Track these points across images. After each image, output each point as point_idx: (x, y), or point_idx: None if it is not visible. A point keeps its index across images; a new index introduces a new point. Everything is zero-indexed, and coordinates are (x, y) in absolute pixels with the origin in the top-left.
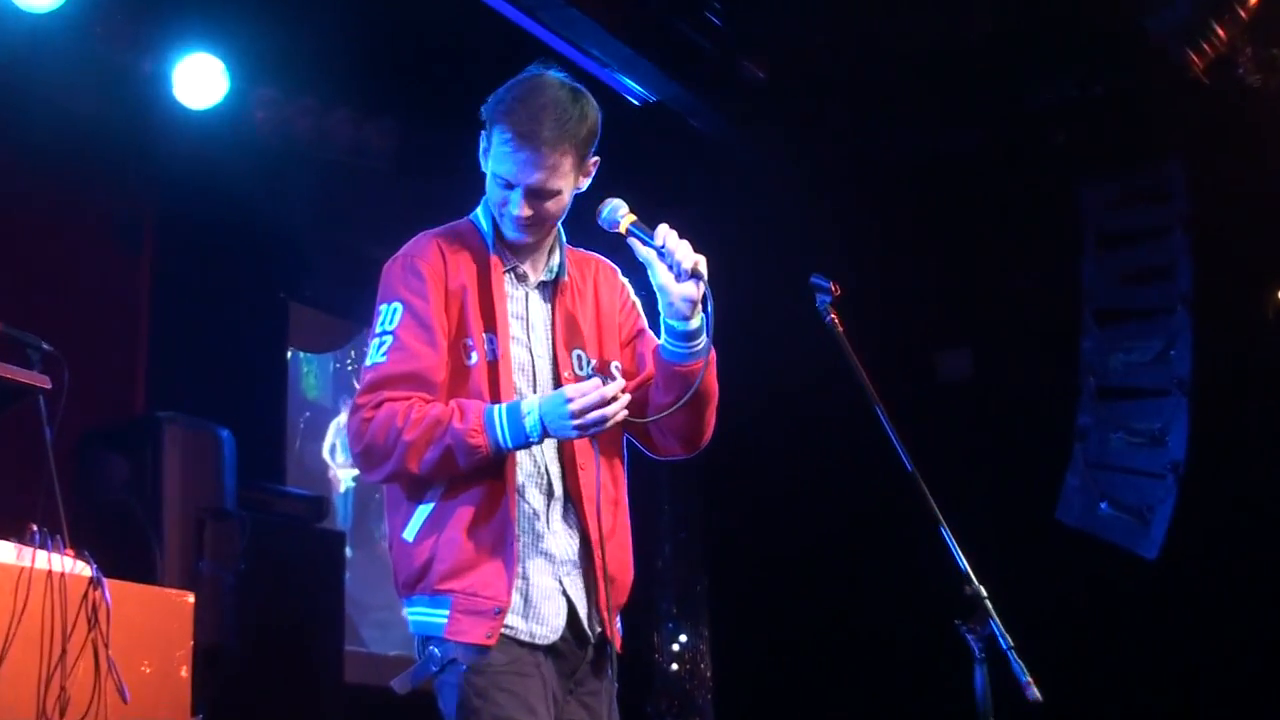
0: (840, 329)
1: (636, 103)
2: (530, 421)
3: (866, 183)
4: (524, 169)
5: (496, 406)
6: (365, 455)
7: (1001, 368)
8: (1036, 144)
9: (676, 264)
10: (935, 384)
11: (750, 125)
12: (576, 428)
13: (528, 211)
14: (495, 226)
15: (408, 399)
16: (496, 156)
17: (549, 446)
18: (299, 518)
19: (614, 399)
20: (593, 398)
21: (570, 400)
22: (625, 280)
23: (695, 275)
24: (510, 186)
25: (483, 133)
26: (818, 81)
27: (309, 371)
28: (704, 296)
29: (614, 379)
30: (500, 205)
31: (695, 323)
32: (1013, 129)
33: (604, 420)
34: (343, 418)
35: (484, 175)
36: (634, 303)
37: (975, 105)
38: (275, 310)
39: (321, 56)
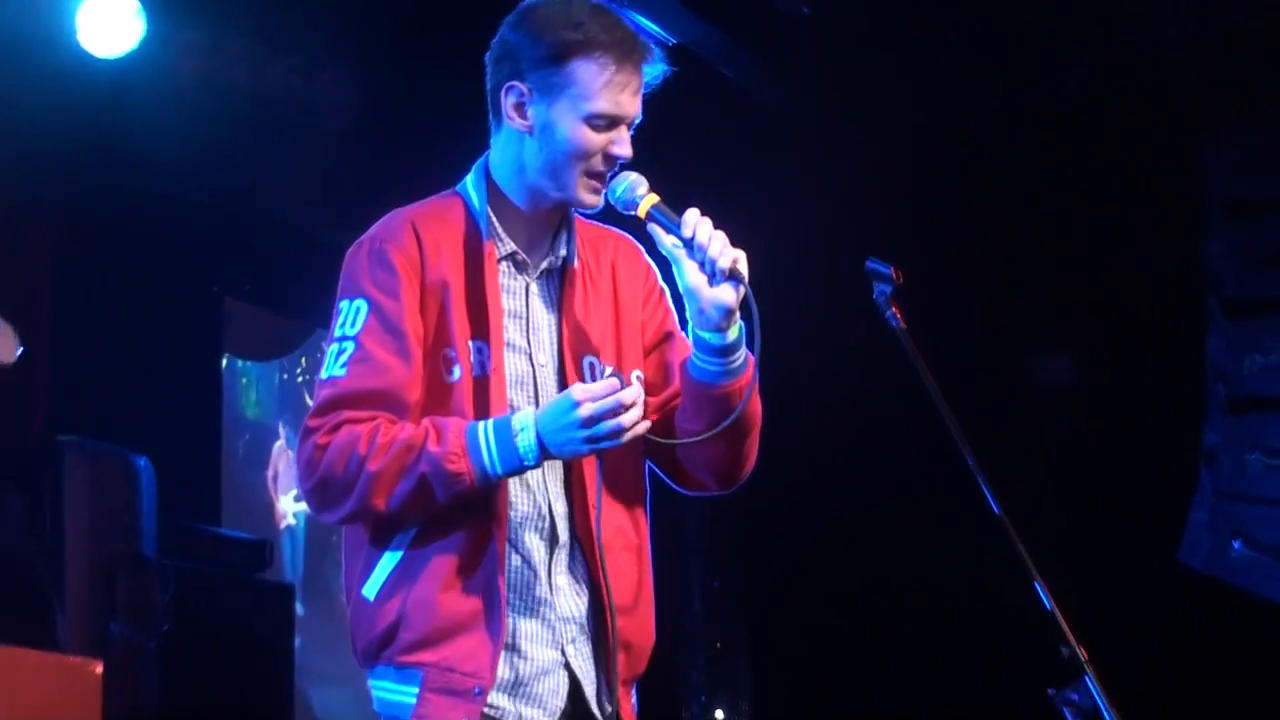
0: (904, 326)
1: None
2: (525, 440)
3: (937, 145)
4: (633, 97)
5: (482, 424)
6: (320, 490)
7: (1107, 373)
8: (1148, 95)
9: (710, 261)
10: (1025, 394)
11: (793, 74)
12: (587, 441)
13: (630, 151)
14: (492, 202)
15: (372, 420)
16: (586, 91)
17: (552, 478)
18: (236, 566)
19: (633, 404)
20: (607, 402)
21: (578, 405)
22: (651, 263)
23: (733, 277)
24: (615, 124)
25: (511, 80)
26: (876, 19)
27: (249, 384)
28: (744, 302)
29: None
30: (583, 157)
31: (732, 334)
32: (1118, 76)
33: (620, 431)
34: (284, 440)
35: (504, 130)
36: (662, 292)
37: (1072, 47)
38: (207, 309)
39: None
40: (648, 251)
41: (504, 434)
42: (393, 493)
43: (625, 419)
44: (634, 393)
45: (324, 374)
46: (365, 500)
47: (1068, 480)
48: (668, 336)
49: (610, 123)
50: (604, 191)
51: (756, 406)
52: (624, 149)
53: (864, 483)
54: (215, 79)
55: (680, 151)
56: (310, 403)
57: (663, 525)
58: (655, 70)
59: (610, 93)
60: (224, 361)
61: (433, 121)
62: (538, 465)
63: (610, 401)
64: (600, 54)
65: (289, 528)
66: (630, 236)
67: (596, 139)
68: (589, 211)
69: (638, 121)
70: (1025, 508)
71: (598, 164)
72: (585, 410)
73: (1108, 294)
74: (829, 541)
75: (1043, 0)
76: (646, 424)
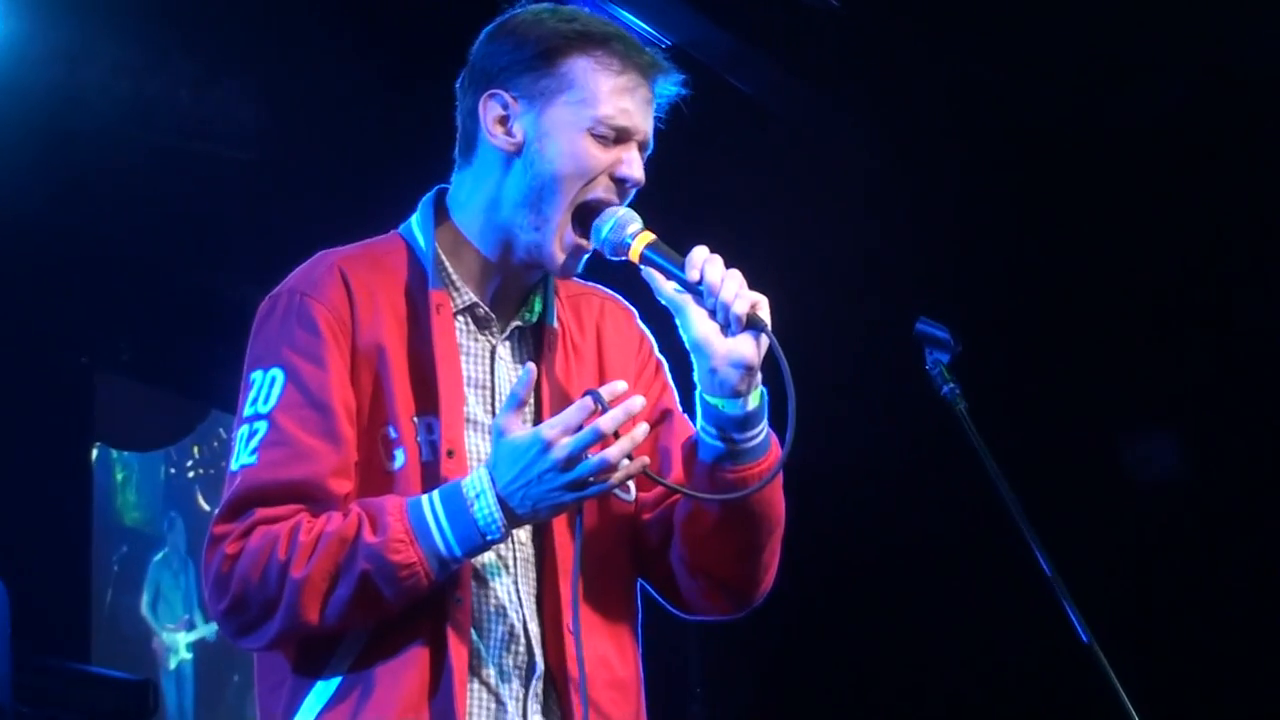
0: (964, 404)
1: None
2: (483, 506)
3: (996, 170)
4: (643, 108)
5: (425, 498)
6: (237, 612)
7: (1224, 461)
8: (1265, 110)
9: (723, 307)
10: (1120, 487)
11: (818, 81)
12: (570, 488)
13: (642, 175)
14: (445, 244)
15: (292, 518)
16: (587, 94)
17: (525, 588)
18: (111, 714)
19: (616, 435)
20: (585, 434)
21: (549, 445)
22: (646, 330)
23: (752, 326)
24: (623, 140)
25: (491, 88)
26: (920, 12)
27: (126, 482)
28: (768, 357)
29: (605, 405)
30: (582, 177)
31: (752, 402)
32: (1228, 88)
33: (607, 467)
34: (173, 551)
35: (477, 157)
36: (659, 365)
37: (1167, 52)
38: (73, 385)
39: None
40: (642, 316)
41: (455, 504)
42: (328, 602)
43: (610, 453)
44: (617, 418)
45: (233, 464)
46: (294, 617)
47: (1173, 599)
48: (665, 416)
49: (618, 136)
50: (585, 255)
51: (779, 503)
52: (634, 169)
53: (912, 592)
54: (88, 94)
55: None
56: (207, 507)
57: (657, 635)
58: (668, 85)
59: (617, 98)
60: (94, 452)
61: (363, 148)
62: (504, 538)
63: (589, 433)
64: (601, 52)
65: (178, 665)
66: (620, 297)
67: (600, 155)
68: (556, 272)
69: (649, 150)
70: (1119, 630)
71: (599, 191)
72: (561, 450)
73: (1225, 359)
74: (869, 661)
75: None
76: (643, 461)
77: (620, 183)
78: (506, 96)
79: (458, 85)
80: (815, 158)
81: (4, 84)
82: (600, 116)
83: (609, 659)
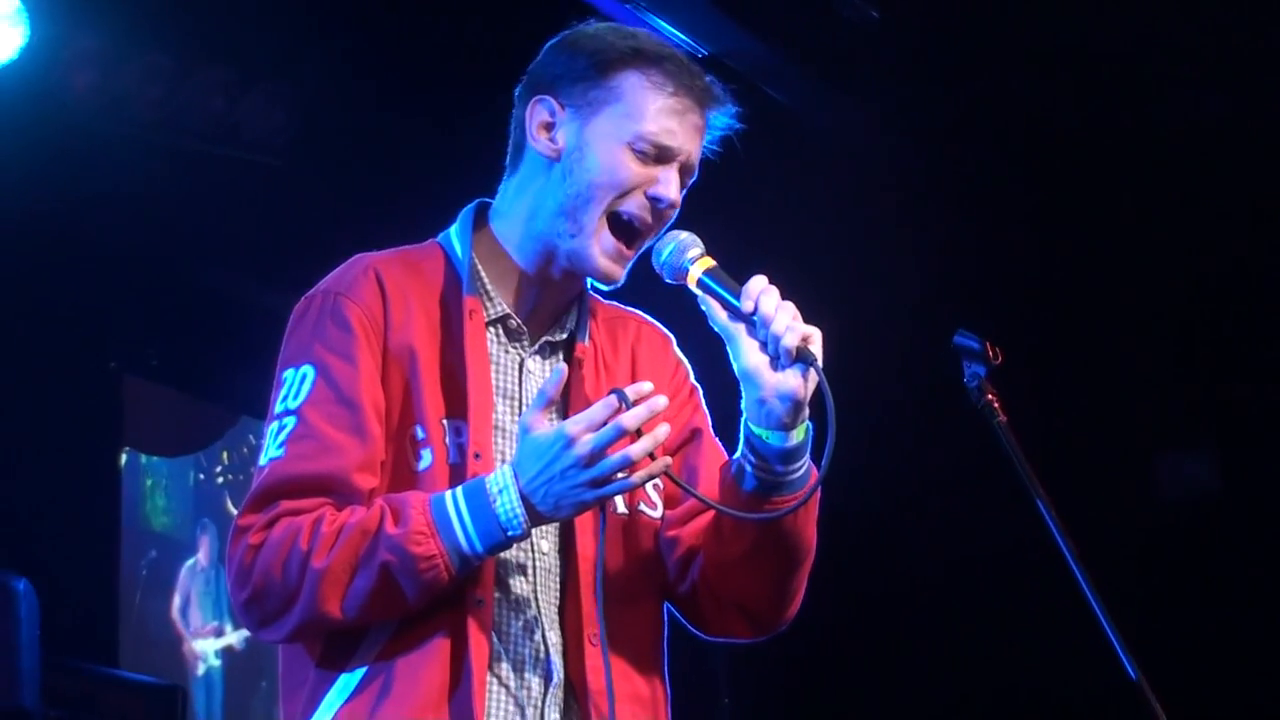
0: (1003, 419)
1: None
2: (506, 503)
3: (1033, 182)
4: (692, 133)
5: (449, 493)
6: (257, 602)
7: (1266, 477)
8: None
9: (774, 339)
10: (1160, 504)
11: (856, 92)
12: (592, 485)
13: (678, 197)
14: (482, 253)
15: (315, 510)
16: (633, 109)
17: (546, 598)
18: (139, 718)
19: (639, 433)
20: (608, 430)
21: (573, 441)
22: (682, 357)
23: (802, 359)
24: (664, 159)
25: (540, 94)
26: (961, 23)
27: (154, 487)
28: (816, 394)
29: (629, 404)
30: (616, 189)
31: (797, 436)
32: (1268, 99)
33: (628, 464)
34: (202, 557)
35: (524, 163)
36: (693, 390)
37: (1206, 62)
38: (101, 389)
39: None
40: (689, 342)
41: (478, 500)
42: (348, 593)
43: (633, 450)
44: (640, 415)
45: (261, 459)
46: (314, 607)
47: (1215, 618)
48: (694, 435)
49: (659, 155)
50: (629, 265)
51: (811, 533)
52: (670, 189)
53: (950, 614)
54: (118, 98)
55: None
56: (236, 513)
57: (686, 662)
58: (721, 116)
59: (664, 117)
60: (124, 458)
61: (394, 155)
62: (525, 535)
63: (611, 429)
64: (655, 71)
65: (206, 671)
66: (659, 324)
67: (638, 170)
68: (605, 287)
69: (693, 179)
70: (1157, 648)
71: (632, 206)
72: (584, 445)
73: (1267, 376)
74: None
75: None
76: (666, 461)
77: (655, 201)
78: (554, 103)
79: (515, 94)
80: (851, 168)
81: (36, 89)
82: (643, 133)
83: (631, 673)
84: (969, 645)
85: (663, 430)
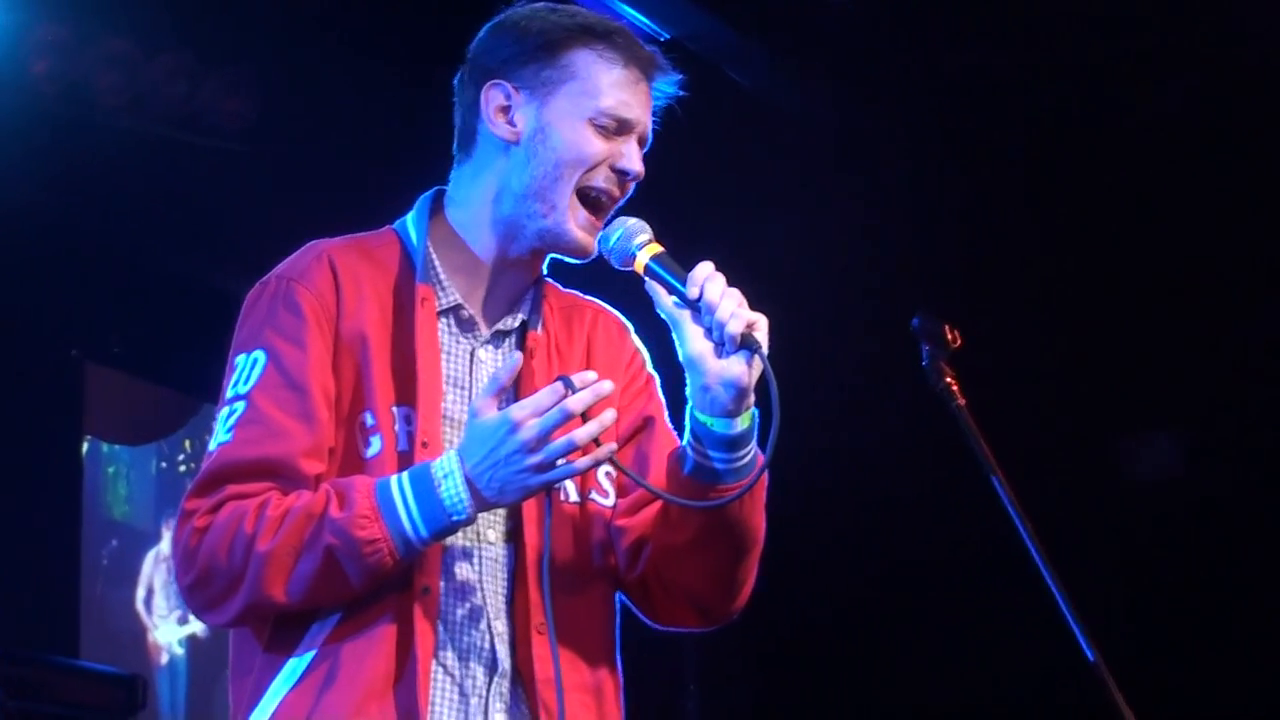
0: (962, 401)
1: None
2: (450, 486)
3: (998, 166)
4: (644, 102)
5: (395, 477)
6: (202, 585)
7: (1228, 461)
8: (1272, 109)
9: (718, 326)
10: (1121, 488)
11: (823, 78)
12: (537, 470)
13: (642, 168)
14: (437, 242)
15: (261, 495)
16: (589, 85)
17: (491, 585)
18: (99, 710)
19: (585, 418)
20: (553, 414)
21: (517, 426)
22: (639, 345)
23: (746, 345)
24: (623, 131)
25: (493, 79)
26: (926, 6)
27: (116, 475)
28: (760, 380)
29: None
30: (583, 165)
31: (742, 423)
32: (1235, 86)
33: (573, 449)
34: (165, 546)
35: (477, 151)
36: (649, 379)
37: (1176, 49)
38: (63, 377)
39: None
40: (643, 328)
41: (423, 484)
42: (292, 577)
43: (578, 434)
44: (584, 399)
45: (211, 444)
46: (258, 591)
47: (1176, 605)
48: (647, 423)
49: (619, 128)
50: (600, 236)
51: (759, 522)
52: (634, 162)
53: (911, 610)
54: (80, 85)
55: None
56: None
57: (650, 651)
58: (666, 84)
59: (619, 90)
60: (85, 446)
61: (359, 141)
62: (470, 520)
63: (556, 413)
64: (604, 45)
65: (170, 660)
66: (616, 312)
67: (601, 145)
68: (578, 260)
69: (647, 145)
70: (1119, 632)
71: (599, 180)
72: (529, 430)
73: (1226, 358)
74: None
75: None
76: (611, 447)
77: (621, 174)
78: (509, 87)
79: (456, 81)
80: (813, 150)
81: None
82: (603, 108)
83: (579, 662)
84: (937, 632)
85: (609, 415)
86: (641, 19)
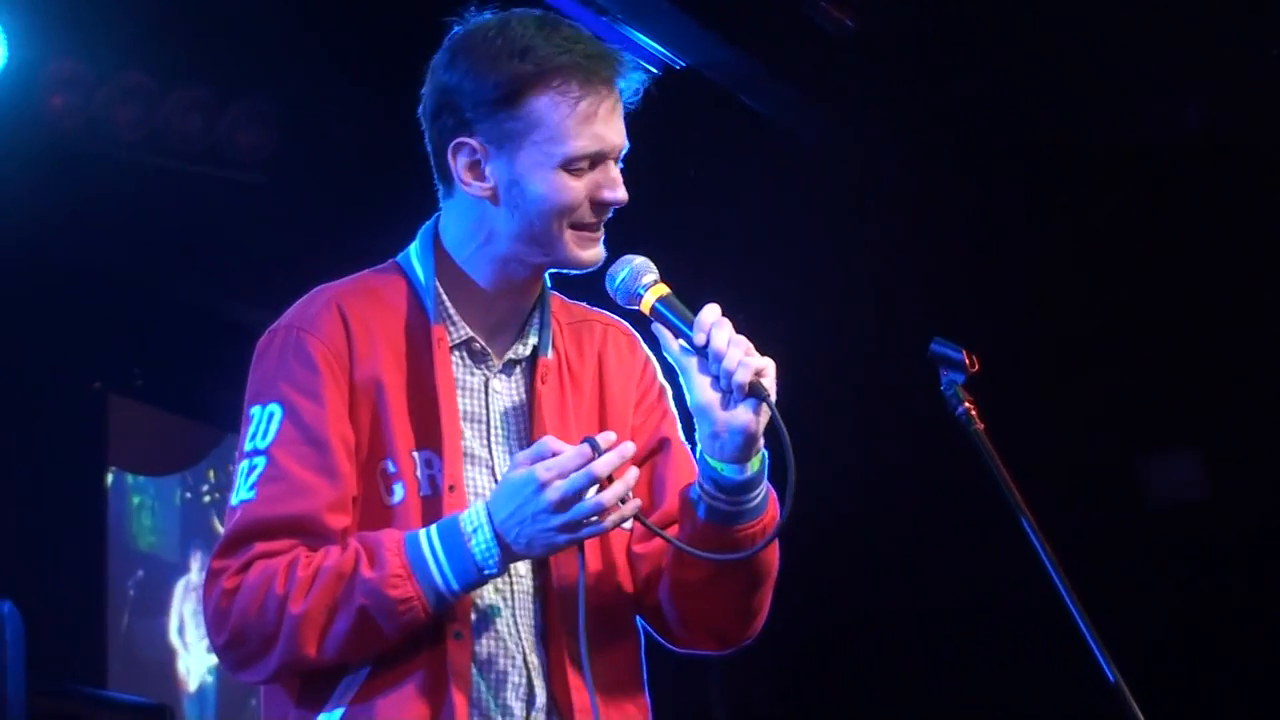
0: (980, 426)
1: (656, 70)
2: (480, 540)
3: (1012, 190)
4: (614, 123)
5: (423, 532)
6: (235, 646)
7: (1250, 483)
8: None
9: (725, 375)
10: (1144, 510)
11: (832, 102)
12: (563, 530)
13: (624, 193)
14: (442, 276)
15: (289, 553)
16: (555, 132)
17: (525, 620)
18: None
19: (610, 478)
20: (579, 477)
21: (544, 486)
22: (650, 355)
23: (754, 394)
24: (599, 162)
25: (457, 137)
26: (938, 32)
27: (141, 506)
28: (770, 427)
29: (601, 451)
30: (566, 213)
31: (752, 468)
32: (1248, 107)
33: (602, 511)
34: (195, 576)
35: (458, 195)
36: (661, 391)
37: (1184, 71)
38: (87, 409)
39: (152, 7)
40: (647, 341)
41: (453, 539)
42: (326, 636)
43: (605, 496)
44: (611, 461)
45: (233, 499)
46: (293, 651)
47: (1195, 622)
48: (663, 445)
49: (593, 161)
50: (602, 241)
51: (772, 559)
52: (616, 191)
53: (934, 629)
54: (96, 118)
55: (681, 195)
56: (220, 532)
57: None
58: (631, 81)
59: (586, 127)
60: (110, 477)
61: (373, 172)
62: (501, 572)
63: (582, 476)
64: (561, 82)
65: (199, 688)
66: (624, 322)
67: (579, 187)
68: (585, 270)
69: (625, 150)
70: (1140, 658)
71: (584, 215)
72: (555, 491)
73: (1249, 378)
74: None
75: (1146, 10)
76: (636, 504)
77: (604, 206)
78: (473, 144)
79: (420, 111)
80: (829, 178)
81: (15, 110)
82: (571, 153)
83: (613, 688)
84: (958, 654)
85: (632, 475)
86: (657, 48)
